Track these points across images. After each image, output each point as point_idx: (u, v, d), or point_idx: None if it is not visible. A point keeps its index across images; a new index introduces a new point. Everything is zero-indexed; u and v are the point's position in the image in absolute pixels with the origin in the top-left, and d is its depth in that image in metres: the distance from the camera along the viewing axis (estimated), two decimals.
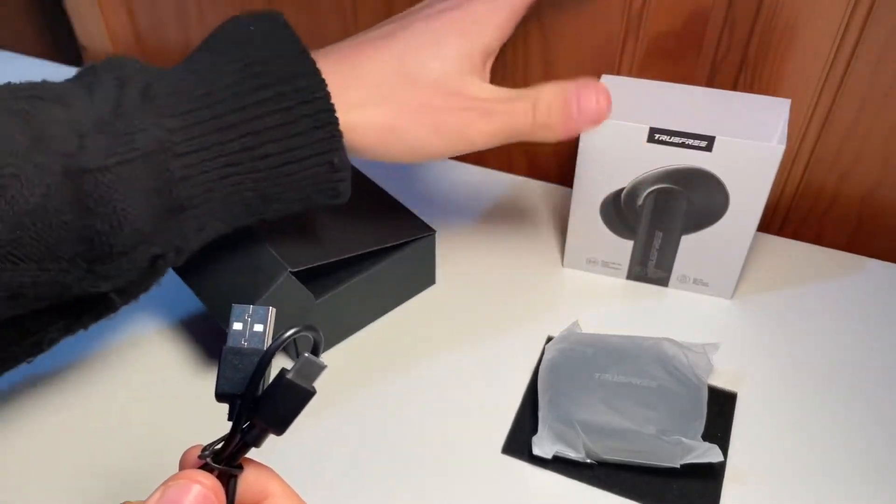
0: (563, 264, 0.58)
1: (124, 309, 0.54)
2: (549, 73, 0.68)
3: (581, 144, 0.51)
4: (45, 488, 0.44)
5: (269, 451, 0.45)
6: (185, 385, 0.49)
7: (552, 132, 0.42)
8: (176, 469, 0.28)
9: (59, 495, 0.43)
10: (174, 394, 0.48)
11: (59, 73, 0.85)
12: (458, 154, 0.42)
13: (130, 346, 0.50)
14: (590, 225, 0.55)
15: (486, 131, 0.42)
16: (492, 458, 0.45)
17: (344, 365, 0.50)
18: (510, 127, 0.42)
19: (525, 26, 0.66)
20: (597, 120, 0.42)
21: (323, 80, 0.37)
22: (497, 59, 0.69)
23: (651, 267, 0.56)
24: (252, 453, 0.29)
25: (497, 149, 0.76)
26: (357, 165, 0.59)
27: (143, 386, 0.48)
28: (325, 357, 0.51)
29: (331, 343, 0.52)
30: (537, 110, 0.41)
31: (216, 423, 0.47)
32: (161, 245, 0.37)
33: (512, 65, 0.69)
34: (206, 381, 0.49)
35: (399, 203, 0.55)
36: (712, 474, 0.43)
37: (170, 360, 0.51)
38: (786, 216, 0.67)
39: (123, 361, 0.44)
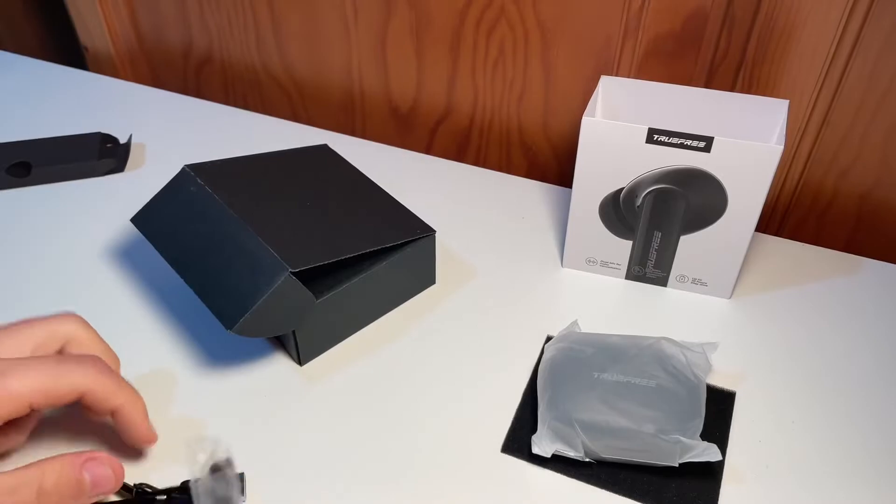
0: (562, 264, 0.59)
1: (124, 305, 0.55)
2: (550, 73, 0.68)
3: (581, 145, 0.51)
4: None
5: (271, 451, 0.46)
6: (183, 382, 0.49)
7: None
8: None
9: None
10: (173, 391, 0.49)
11: (61, 73, 0.86)
12: None
13: (129, 343, 0.50)
14: (589, 225, 0.55)
15: None
16: (491, 457, 0.45)
17: (344, 365, 0.51)
18: None
19: (525, 26, 0.66)
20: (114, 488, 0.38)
21: None
22: (497, 60, 0.70)
23: (650, 267, 0.56)
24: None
25: (497, 149, 0.77)
26: (357, 164, 0.60)
27: (142, 383, 0.48)
28: (327, 356, 0.51)
29: (331, 343, 0.52)
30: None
31: (214, 421, 0.47)
32: None
33: (512, 65, 0.69)
34: (204, 380, 0.49)
35: (399, 203, 0.55)
36: (711, 473, 0.43)
37: (170, 358, 0.51)
38: (784, 216, 0.67)
39: (121, 359, 0.45)
